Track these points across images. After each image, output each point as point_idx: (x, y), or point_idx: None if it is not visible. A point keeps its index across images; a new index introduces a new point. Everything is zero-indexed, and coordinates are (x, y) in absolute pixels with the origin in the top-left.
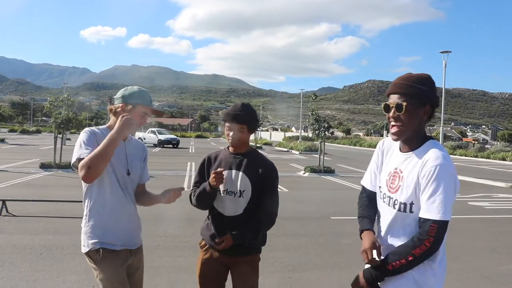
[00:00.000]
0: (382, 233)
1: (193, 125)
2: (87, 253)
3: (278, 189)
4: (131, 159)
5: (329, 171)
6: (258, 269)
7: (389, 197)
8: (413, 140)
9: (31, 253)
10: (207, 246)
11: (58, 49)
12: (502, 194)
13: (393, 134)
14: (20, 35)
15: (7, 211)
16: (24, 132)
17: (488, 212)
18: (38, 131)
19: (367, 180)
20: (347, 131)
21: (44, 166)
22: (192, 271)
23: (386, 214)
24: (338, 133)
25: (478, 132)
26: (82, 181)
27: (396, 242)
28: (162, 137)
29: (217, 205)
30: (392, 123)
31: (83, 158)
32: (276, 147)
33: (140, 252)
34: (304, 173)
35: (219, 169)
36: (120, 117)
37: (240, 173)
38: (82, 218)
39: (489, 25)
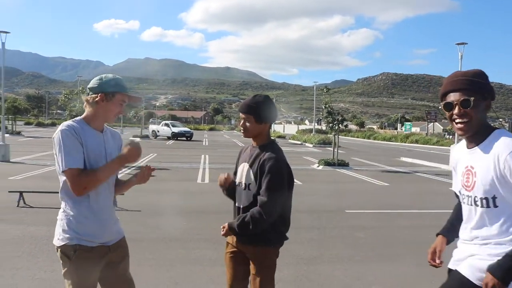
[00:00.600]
0: (472, 233)
1: (207, 118)
2: (61, 248)
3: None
4: (110, 150)
5: (343, 164)
6: (264, 263)
7: (468, 196)
8: (479, 134)
9: (49, 244)
10: None
11: (72, 43)
12: None
13: (460, 130)
14: (34, 29)
15: (24, 203)
16: (39, 125)
17: None
18: (53, 124)
19: (454, 186)
20: (361, 124)
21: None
22: (206, 264)
23: (470, 213)
24: (352, 126)
25: (495, 126)
26: (59, 175)
27: (489, 240)
28: (175, 129)
29: (236, 196)
30: (458, 120)
31: (74, 168)
32: (289, 140)
33: (120, 247)
34: (318, 166)
35: (221, 175)
36: (130, 150)
37: (247, 166)
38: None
39: (505, 16)
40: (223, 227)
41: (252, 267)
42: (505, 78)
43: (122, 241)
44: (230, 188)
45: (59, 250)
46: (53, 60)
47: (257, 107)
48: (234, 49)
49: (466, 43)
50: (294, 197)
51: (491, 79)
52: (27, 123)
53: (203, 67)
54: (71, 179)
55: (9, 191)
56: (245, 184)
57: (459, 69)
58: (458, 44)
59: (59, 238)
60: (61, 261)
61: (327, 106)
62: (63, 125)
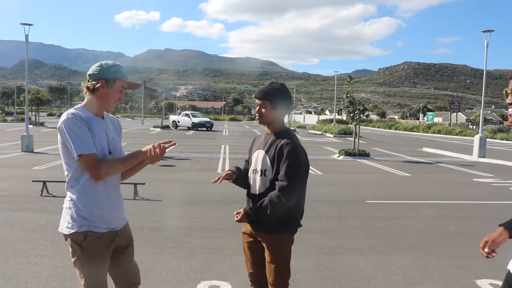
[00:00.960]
0: None
1: (227, 108)
2: (71, 236)
3: (312, 172)
4: (111, 137)
5: (364, 154)
6: (279, 250)
7: None
8: None
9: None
10: None
11: (93, 35)
12: None
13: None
14: (56, 21)
15: (47, 192)
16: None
17: None
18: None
19: None
20: (382, 114)
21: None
22: (227, 253)
23: None
24: (373, 116)
25: None
26: (67, 165)
27: None
28: (196, 120)
29: (250, 182)
30: (509, 108)
31: (91, 154)
32: (310, 130)
33: (126, 232)
34: (338, 156)
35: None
36: (156, 148)
37: (263, 152)
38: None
39: None
40: (237, 213)
41: (267, 254)
42: None
43: (127, 226)
44: (241, 178)
45: (69, 238)
46: (75, 52)
47: (273, 93)
48: (255, 39)
49: (492, 31)
50: (314, 187)
51: None
52: (50, 114)
53: (223, 57)
54: (90, 164)
55: (33, 181)
56: (261, 170)
57: (485, 58)
58: (484, 31)
59: (68, 226)
60: (70, 249)
61: (348, 95)
62: (68, 113)
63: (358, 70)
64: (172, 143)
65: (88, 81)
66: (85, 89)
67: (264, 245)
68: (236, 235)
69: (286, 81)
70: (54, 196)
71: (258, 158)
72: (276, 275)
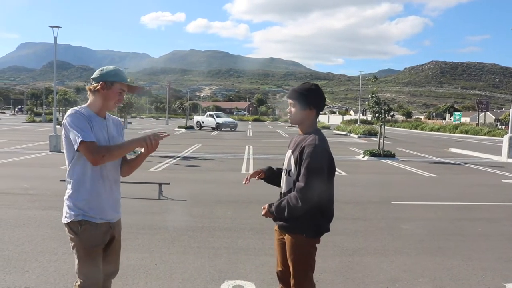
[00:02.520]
0: None
1: (251, 108)
2: (68, 224)
3: (337, 173)
4: (112, 135)
5: (389, 155)
6: (296, 251)
7: None
8: None
9: None
10: None
11: (119, 36)
12: None
13: None
14: (84, 23)
15: None
16: None
17: None
18: None
19: None
20: (408, 115)
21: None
22: (251, 253)
23: None
24: (398, 117)
25: None
26: (67, 159)
27: None
28: (220, 120)
29: (280, 182)
30: None
31: (90, 141)
32: (334, 131)
33: (119, 225)
34: (363, 157)
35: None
36: (152, 138)
37: (290, 152)
38: (143, 198)
39: None
40: (264, 208)
41: (287, 253)
42: None
43: (120, 220)
44: (273, 177)
45: (66, 227)
46: (101, 53)
47: (304, 93)
48: (279, 39)
49: None
50: (339, 188)
51: None
52: None
53: (248, 58)
54: (89, 149)
55: (61, 180)
56: (286, 170)
57: None
58: None
59: (66, 216)
60: (69, 237)
61: (374, 95)
62: (71, 109)
63: (383, 69)
64: (166, 134)
65: (91, 84)
66: (88, 91)
67: (286, 245)
68: (260, 235)
69: (310, 82)
70: None
71: (286, 158)
72: (294, 275)
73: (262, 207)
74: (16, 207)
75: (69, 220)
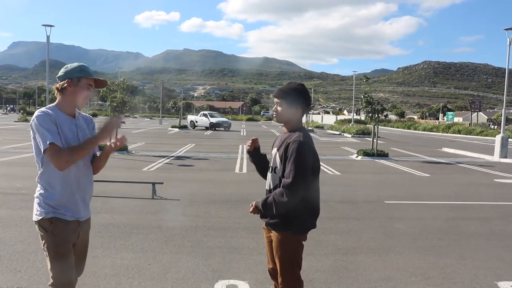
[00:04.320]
0: None
1: (244, 108)
2: (38, 221)
3: (330, 172)
4: (82, 133)
5: (382, 154)
6: (281, 247)
7: None
8: None
9: (90, 231)
10: None
11: (113, 35)
12: None
13: None
14: (77, 22)
15: None
16: None
17: None
18: (94, 115)
19: None
20: (401, 114)
21: (100, 149)
22: (245, 252)
23: None
24: (392, 116)
25: None
26: (36, 158)
27: None
28: (214, 120)
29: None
30: None
31: (55, 145)
32: (328, 130)
33: (87, 224)
34: (357, 157)
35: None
36: (107, 122)
37: (275, 150)
38: (136, 198)
39: None
40: (252, 205)
41: (274, 251)
42: None
43: (89, 219)
44: (262, 158)
45: (36, 225)
46: (94, 52)
47: (290, 92)
48: (273, 39)
49: None
50: (332, 187)
51: None
52: None
53: (242, 57)
54: (53, 154)
55: None
56: (271, 167)
57: (507, 56)
58: (506, 29)
59: (36, 214)
60: (40, 234)
61: (366, 95)
62: (39, 111)
63: (376, 69)
64: (122, 120)
65: (57, 83)
66: (55, 91)
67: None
68: (254, 235)
69: (304, 81)
70: None
71: (272, 155)
72: (281, 272)
73: (250, 204)
74: (8, 207)
75: (40, 218)
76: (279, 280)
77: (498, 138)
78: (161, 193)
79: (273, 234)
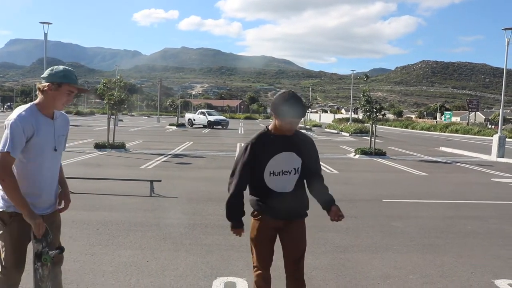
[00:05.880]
0: None
1: (242, 106)
2: None
3: (328, 171)
4: (58, 135)
5: (380, 153)
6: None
7: None
8: None
9: (89, 228)
10: (260, 215)
11: (111, 33)
12: None
13: None
14: (74, 20)
15: None
16: (78, 113)
17: None
18: (92, 113)
19: None
20: (399, 113)
21: (98, 146)
22: (243, 250)
23: None
24: (389, 115)
25: None
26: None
27: None
28: (211, 118)
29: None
30: None
31: (10, 155)
32: (325, 129)
33: (52, 217)
34: (354, 155)
35: None
36: (36, 224)
37: (289, 153)
38: (135, 195)
39: None
40: (339, 213)
41: (299, 240)
42: None
43: (55, 213)
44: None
45: None
46: (91, 50)
47: (273, 101)
48: (272, 37)
49: None
50: (330, 186)
51: None
52: (67, 112)
53: (240, 56)
54: (1, 163)
55: None
56: (294, 169)
57: (505, 56)
58: (505, 29)
59: None
60: None
61: (365, 94)
62: (18, 116)
63: (375, 68)
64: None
65: (40, 83)
66: (38, 89)
67: (292, 231)
68: None
69: (302, 80)
70: (72, 193)
71: (285, 159)
72: (302, 258)
73: (338, 215)
74: None
75: (0, 210)
76: (299, 266)
77: (495, 138)
78: (159, 191)
79: (299, 224)
